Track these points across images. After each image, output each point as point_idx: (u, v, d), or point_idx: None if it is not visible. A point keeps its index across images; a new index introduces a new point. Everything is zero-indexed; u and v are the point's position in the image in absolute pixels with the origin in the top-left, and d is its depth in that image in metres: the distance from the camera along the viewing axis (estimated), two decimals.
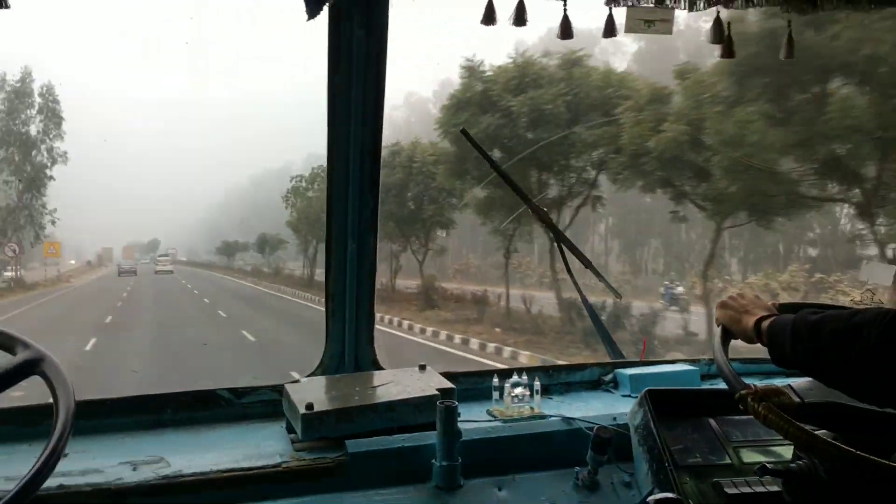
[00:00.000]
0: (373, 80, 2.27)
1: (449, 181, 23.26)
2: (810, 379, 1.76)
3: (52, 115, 39.60)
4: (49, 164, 39.37)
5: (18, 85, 38.98)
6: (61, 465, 1.87)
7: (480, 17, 2.13)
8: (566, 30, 2.28)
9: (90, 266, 70.08)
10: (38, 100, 39.42)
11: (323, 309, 2.48)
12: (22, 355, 1.47)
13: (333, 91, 2.25)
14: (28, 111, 39.26)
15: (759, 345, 1.76)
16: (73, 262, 64.89)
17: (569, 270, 2.87)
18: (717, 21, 2.39)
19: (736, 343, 1.84)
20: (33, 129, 39.29)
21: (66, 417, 1.42)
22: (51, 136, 39.31)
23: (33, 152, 38.98)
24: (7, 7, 1.80)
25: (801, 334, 1.58)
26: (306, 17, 1.85)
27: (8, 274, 39.76)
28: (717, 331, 1.88)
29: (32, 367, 1.48)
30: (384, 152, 2.39)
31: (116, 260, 74.36)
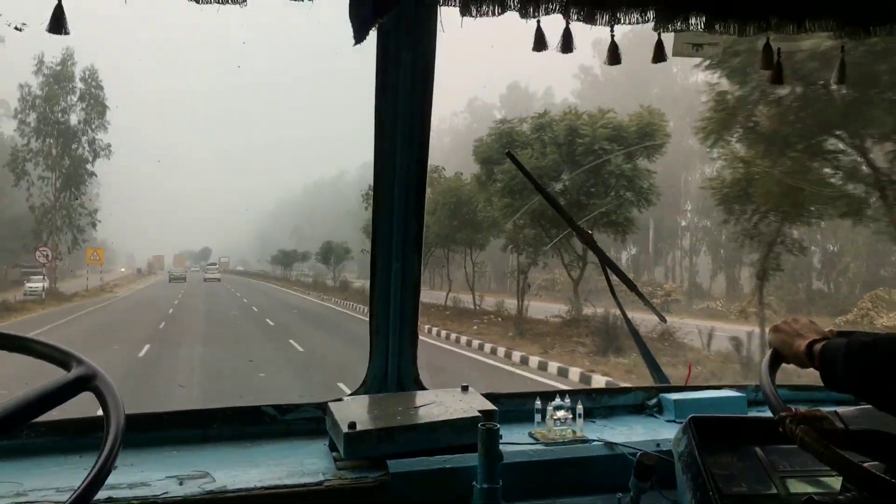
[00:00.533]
0: (419, 104, 2.31)
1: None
2: (858, 407, 1.74)
3: (95, 103, 35.40)
4: (90, 159, 35.34)
5: (58, 68, 34.79)
6: (110, 478, 1.94)
7: (531, 44, 2.16)
8: (615, 55, 2.29)
9: (140, 274, 70.09)
10: (79, 85, 35.27)
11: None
12: (76, 371, 1.52)
13: (380, 114, 2.30)
14: (69, 97, 35.03)
15: (811, 370, 1.75)
16: (122, 269, 66.27)
17: (613, 293, 2.86)
18: (767, 47, 2.37)
19: (789, 370, 1.83)
20: (74, 119, 35.12)
21: (116, 433, 1.46)
22: (93, 126, 35.19)
23: (73, 144, 34.86)
24: (67, 33, 1.86)
25: (854, 355, 1.57)
26: (353, 41, 1.88)
27: (34, 285, 33.96)
28: (768, 353, 1.88)
29: (86, 382, 1.53)
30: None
31: (167, 268, 76.07)
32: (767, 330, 1.93)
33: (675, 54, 2.38)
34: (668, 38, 2.33)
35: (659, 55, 2.31)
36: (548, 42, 2.12)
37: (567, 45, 2.13)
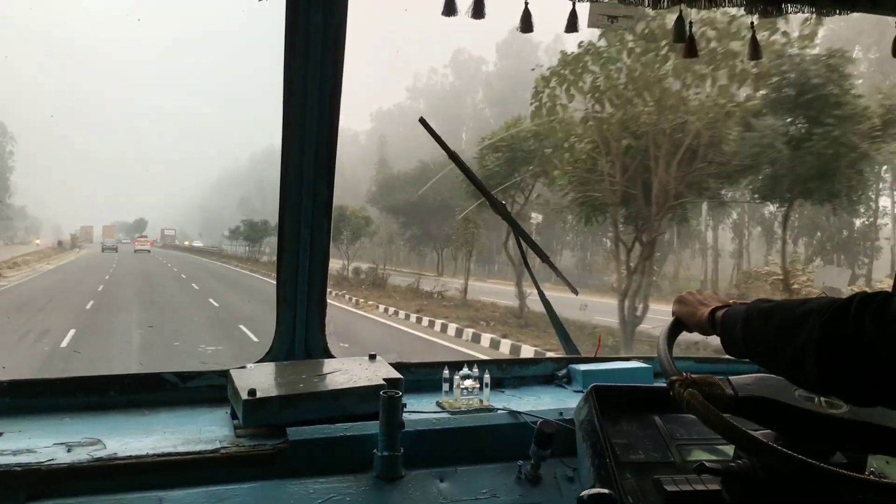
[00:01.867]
0: (330, 66, 2.25)
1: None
2: (750, 375, 1.77)
3: None
4: None
5: None
6: None
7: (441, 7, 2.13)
8: (527, 22, 2.27)
9: (61, 248, 58.81)
10: None
11: None
12: None
13: (290, 77, 2.23)
14: None
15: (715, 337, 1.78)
16: (38, 241, 56.97)
17: (526, 264, 2.87)
18: (680, 20, 2.39)
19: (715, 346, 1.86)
20: None
21: None
22: None
23: None
24: None
25: (752, 321, 1.61)
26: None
27: None
28: (670, 322, 1.91)
29: None
30: None
31: (97, 240, 71.08)
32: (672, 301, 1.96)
33: (589, 25, 2.38)
34: (584, 8, 2.32)
35: (572, 25, 2.30)
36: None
37: (478, 11, 2.10)
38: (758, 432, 1.66)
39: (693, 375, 1.69)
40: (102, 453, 1.84)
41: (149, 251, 62.99)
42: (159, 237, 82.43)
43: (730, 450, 1.95)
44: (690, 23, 2.39)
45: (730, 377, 1.77)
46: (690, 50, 2.46)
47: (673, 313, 1.92)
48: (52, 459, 1.79)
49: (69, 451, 1.85)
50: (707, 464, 1.79)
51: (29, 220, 70.69)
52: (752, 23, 2.41)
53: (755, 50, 2.56)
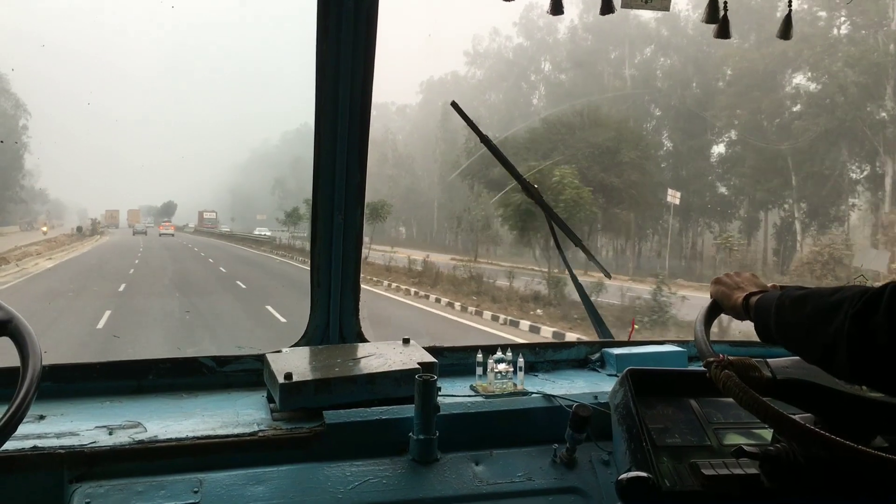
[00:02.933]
0: (361, 51, 2.25)
1: None
2: (789, 358, 1.75)
3: None
4: None
5: None
6: (38, 427, 1.91)
7: None
8: (557, 5, 2.25)
9: (79, 235, 50.38)
10: None
11: None
12: None
13: (322, 59, 2.23)
14: None
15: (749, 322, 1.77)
16: (44, 228, 47.13)
17: (559, 248, 2.86)
18: (713, 2, 2.34)
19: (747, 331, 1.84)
20: None
21: (31, 377, 1.43)
22: None
23: None
24: None
25: (784, 309, 1.60)
26: None
27: None
28: (707, 304, 1.90)
29: (1, 327, 1.48)
30: None
31: (123, 224, 68.41)
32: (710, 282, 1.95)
33: (623, 6, 2.35)
34: None
35: (607, 6, 2.27)
36: None
37: None
38: (796, 416, 1.64)
39: (731, 357, 1.68)
40: (143, 436, 1.87)
41: (172, 235, 62.50)
42: (197, 221, 75.14)
43: (768, 434, 1.94)
44: (725, 3, 2.35)
45: (768, 360, 1.76)
46: (723, 30, 2.42)
47: (711, 294, 1.91)
48: (95, 442, 1.82)
49: (111, 433, 1.89)
50: (745, 448, 1.78)
51: (50, 204, 65.07)
52: (789, 1, 2.35)
53: (787, 29, 2.50)
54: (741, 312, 1.79)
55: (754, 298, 1.74)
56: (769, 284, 1.83)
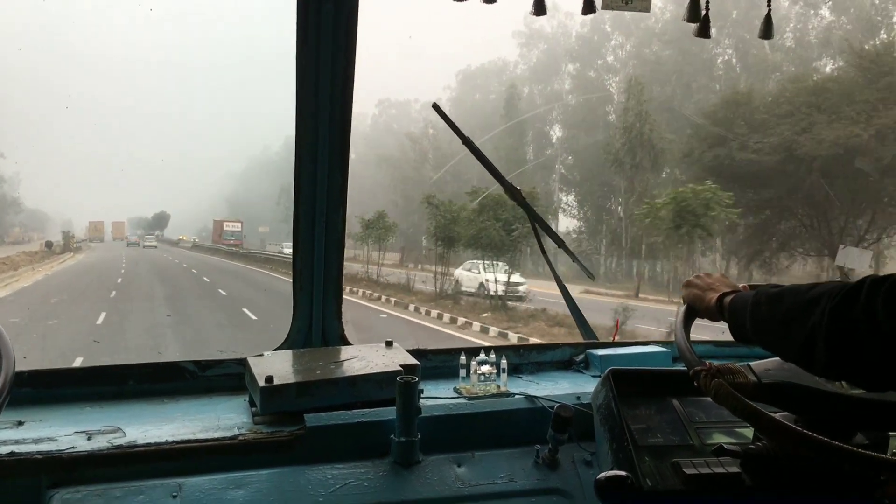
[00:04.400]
0: (342, 55, 2.25)
1: None
2: (770, 360, 1.75)
3: None
4: None
5: None
6: (16, 433, 1.89)
7: None
8: (540, 6, 2.25)
9: (47, 252, 41.41)
10: None
11: None
12: None
13: (302, 65, 2.23)
14: None
15: (723, 322, 1.76)
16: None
17: (543, 250, 2.86)
18: (694, 1, 2.35)
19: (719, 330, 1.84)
20: None
21: (3, 383, 1.41)
22: None
23: None
24: None
25: (760, 307, 1.58)
26: None
27: None
28: (681, 308, 1.88)
29: None
30: None
31: (109, 237, 64.04)
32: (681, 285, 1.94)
33: (604, 7, 2.35)
34: None
35: (588, 7, 2.28)
36: None
37: None
38: (777, 415, 1.64)
39: (716, 364, 1.68)
40: (122, 441, 1.86)
41: (155, 246, 59.54)
42: (213, 234, 58.88)
43: (749, 432, 1.94)
44: (707, 2, 2.36)
45: (750, 363, 1.76)
46: (703, 30, 2.43)
47: (682, 298, 1.90)
48: (73, 447, 1.81)
49: (89, 438, 1.87)
50: (726, 446, 1.78)
51: (24, 214, 56.49)
52: (768, 1, 2.36)
53: (768, 29, 2.51)
54: (715, 313, 1.77)
55: (728, 298, 1.73)
56: (740, 285, 1.83)
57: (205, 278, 32.98)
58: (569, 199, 51.03)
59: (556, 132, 53.93)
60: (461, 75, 64.59)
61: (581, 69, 55.04)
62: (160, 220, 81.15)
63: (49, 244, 44.12)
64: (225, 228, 55.34)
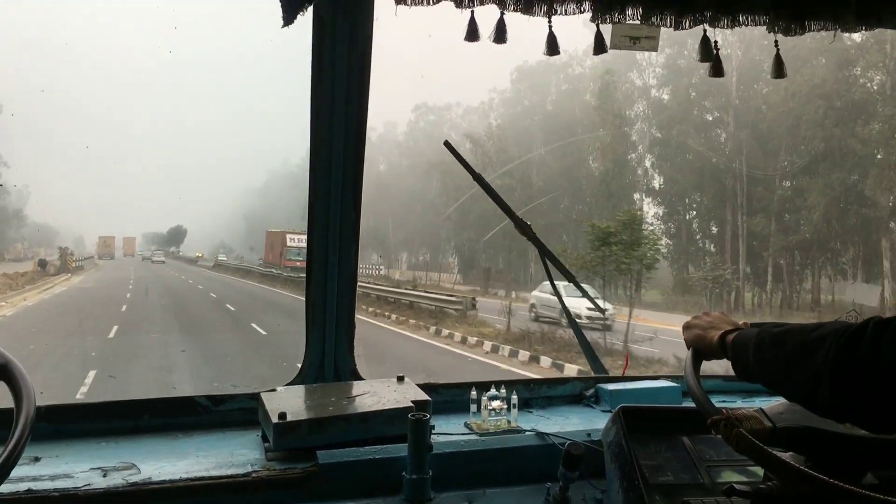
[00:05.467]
0: (356, 94, 2.29)
1: None
2: (781, 402, 1.76)
3: None
4: None
5: None
6: (32, 470, 1.91)
7: (464, 34, 2.15)
8: (552, 46, 2.29)
9: (41, 272, 36.19)
10: None
11: None
12: None
13: (316, 100, 2.28)
14: None
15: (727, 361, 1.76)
16: None
17: (553, 285, 2.88)
18: (705, 40, 2.39)
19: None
20: None
21: (25, 423, 1.43)
22: None
23: None
24: None
25: (764, 347, 1.58)
26: (282, 23, 1.86)
27: None
28: (688, 353, 1.87)
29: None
30: None
31: (120, 253, 61.51)
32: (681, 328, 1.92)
33: (612, 47, 2.39)
34: (607, 31, 2.33)
35: (599, 47, 2.32)
36: (481, 34, 2.11)
37: (500, 35, 2.13)
38: (785, 454, 1.65)
39: (732, 412, 1.67)
40: (137, 478, 1.88)
41: (163, 262, 56.77)
42: (271, 254, 44.09)
43: (760, 471, 1.94)
44: (716, 42, 2.40)
45: (762, 407, 1.76)
46: (717, 69, 2.47)
47: (685, 342, 1.88)
48: (89, 484, 1.83)
49: (105, 475, 1.89)
50: (737, 486, 1.78)
51: (28, 229, 51.36)
52: (775, 41, 2.40)
53: (779, 68, 2.55)
54: (718, 352, 1.76)
55: (731, 336, 1.72)
56: (741, 322, 1.83)
57: (256, 327, 21.66)
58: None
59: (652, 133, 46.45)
60: (516, 73, 57.04)
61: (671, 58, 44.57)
62: (176, 236, 77.07)
63: (43, 263, 38.43)
64: (289, 244, 39.14)
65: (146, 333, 20.00)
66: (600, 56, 2.47)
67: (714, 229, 43.01)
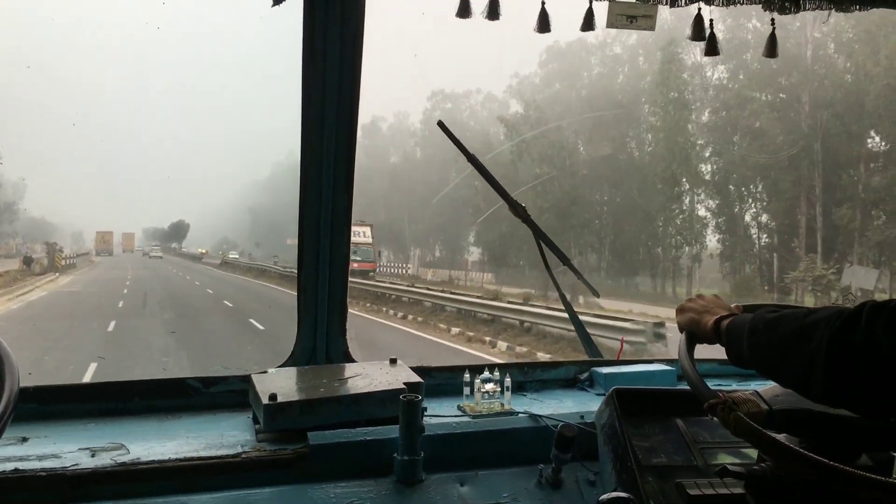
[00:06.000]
0: (348, 75, 2.27)
1: None
2: (776, 385, 1.74)
3: None
4: None
5: None
6: (20, 450, 1.90)
7: (455, 10, 2.13)
8: (544, 23, 2.27)
9: (27, 271, 32.39)
10: None
11: None
12: None
13: (308, 85, 2.25)
14: None
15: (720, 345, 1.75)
16: None
17: (547, 267, 2.86)
18: (699, 19, 2.37)
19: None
20: None
21: (8, 399, 1.42)
22: None
23: None
24: None
25: (758, 332, 1.57)
26: (271, 2, 1.83)
27: None
28: (682, 337, 1.85)
29: None
30: None
31: (118, 249, 61.49)
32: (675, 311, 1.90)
33: (608, 25, 2.37)
34: (601, 8, 2.31)
35: (588, 24, 2.29)
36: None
37: (493, 12, 2.11)
38: (780, 436, 1.63)
39: (729, 395, 1.65)
40: (126, 458, 1.86)
41: (160, 257, 58.40)
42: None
43: (754, 453, 1.93)
44: (711, 21, 2.37)
45: (758, 390, 1.74)
46: (711, 48, 2.44)
47: (679, 326, 1.86)
48: (77, 464, 1.81)
49: (93, 455, 1.88)
50: (730, 467, 1.77)
51: (22, 223, 48.21)
52: (772, 20, 2.38)
53: (772, 47, 2.53)
54: (712, 337, 1.74)
55: (725, 322, 1.70)
56: (732, 305, 1.81)
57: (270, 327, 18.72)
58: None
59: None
60: (545, 54, 53.21)
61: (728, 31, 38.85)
62: (178, 231, 75.41)
63: (28, 260, 34.10)
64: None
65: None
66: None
67: (774, 224, 39.52)
